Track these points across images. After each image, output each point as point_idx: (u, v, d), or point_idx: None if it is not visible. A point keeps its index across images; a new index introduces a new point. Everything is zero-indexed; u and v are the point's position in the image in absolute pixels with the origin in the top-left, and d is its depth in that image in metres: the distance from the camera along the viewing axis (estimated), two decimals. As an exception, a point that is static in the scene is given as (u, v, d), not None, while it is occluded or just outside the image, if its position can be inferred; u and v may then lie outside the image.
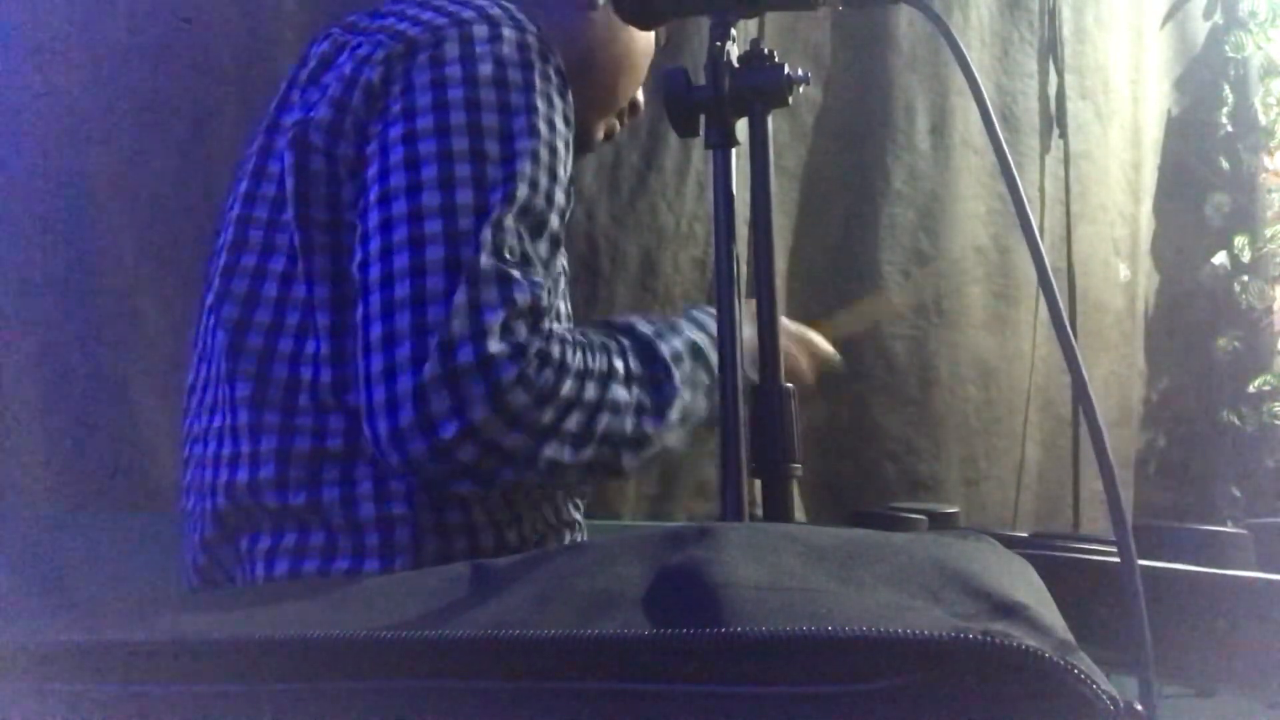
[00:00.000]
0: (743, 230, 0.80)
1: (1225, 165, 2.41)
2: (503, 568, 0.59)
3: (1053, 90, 2.13)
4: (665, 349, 0.88)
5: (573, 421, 0.79)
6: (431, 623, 0.50)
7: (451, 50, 0.82)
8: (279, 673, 0.47)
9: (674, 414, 0.86)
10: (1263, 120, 2.42)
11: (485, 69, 0.82)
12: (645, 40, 1.06)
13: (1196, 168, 2.40)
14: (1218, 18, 2.46)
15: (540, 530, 0.90)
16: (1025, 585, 0.52)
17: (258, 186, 0.87)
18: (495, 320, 0.75)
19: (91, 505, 1.28)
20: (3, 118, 1.29)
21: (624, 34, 1.03)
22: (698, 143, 0.82)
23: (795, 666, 0.43)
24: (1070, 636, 0.46)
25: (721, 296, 0.76)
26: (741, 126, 0.81)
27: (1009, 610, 0.46)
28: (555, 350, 0.77)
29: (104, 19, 1.33)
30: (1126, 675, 0.51)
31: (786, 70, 0.80)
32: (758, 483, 0.76)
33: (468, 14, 0.85)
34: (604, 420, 0.81)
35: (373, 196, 0.80)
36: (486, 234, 0.77)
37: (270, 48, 1.40)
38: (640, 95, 1.11)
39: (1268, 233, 2.40)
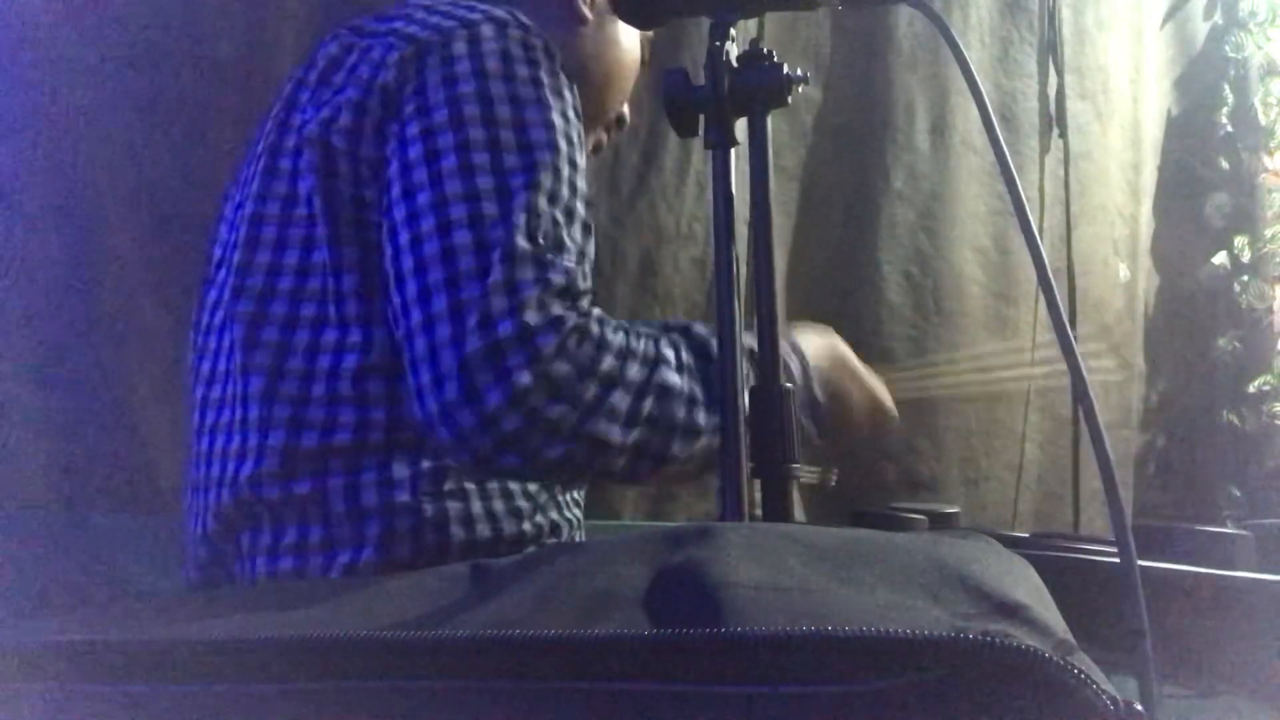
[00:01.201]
0: (743, 230, 0.80)
1: (1225, 165, 2.41)
2: (503, 568, 0.59)
3: (1053, 90, 2.13)
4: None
5: (618, 399, 0.80)
6: (431, 623, 0.50)
7: (460, 48, 0.85)
8: (279, 673, 0.47)
9: None
10: (1263, 120, 2.42)
11: (493, 64, 0.85)
12: (632, 55, 1.11)
13: (1196, 168, 2.40)
14: (1218, 18, 2.46)
15: (539, 526, 0.91)
16: (1025, 585, 0.52)
17: (269, 184, 0.89)
18: (531, 295, 0.77)
19: (91, 505, 1.28)
20: (2, 118, 1.29)
21: (612, 49, 1.08)
22: (697, 143, 0.82)
23: (795, 666, 0.43)
24: (1070, 636, 0.46)
25: (721, 296, 0.76)
26: (741, 126, 0.81)
27: (1009, 610, 0.46)
28: (594, 327, 0.80)
29: (104, 19, 1.33)
30: (1126, 675, 0.51)
31: (786, 70, 0.80)
32: (757, 482, 0.76)
33: (474, 16, 0.88)
34: (650, 403, 0.82)
35: (396, 193, 0.83)
36: (518, 218, 0.80)
37: (270, 48, 1.40)
38: (627, 109, 1.15)
39: (1268, 233, 2.40)
